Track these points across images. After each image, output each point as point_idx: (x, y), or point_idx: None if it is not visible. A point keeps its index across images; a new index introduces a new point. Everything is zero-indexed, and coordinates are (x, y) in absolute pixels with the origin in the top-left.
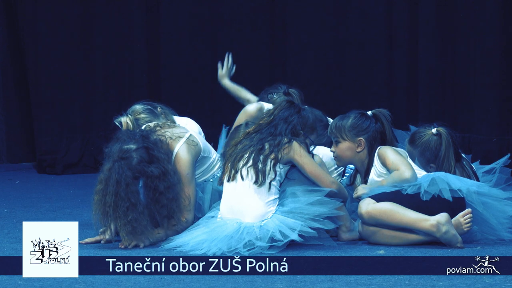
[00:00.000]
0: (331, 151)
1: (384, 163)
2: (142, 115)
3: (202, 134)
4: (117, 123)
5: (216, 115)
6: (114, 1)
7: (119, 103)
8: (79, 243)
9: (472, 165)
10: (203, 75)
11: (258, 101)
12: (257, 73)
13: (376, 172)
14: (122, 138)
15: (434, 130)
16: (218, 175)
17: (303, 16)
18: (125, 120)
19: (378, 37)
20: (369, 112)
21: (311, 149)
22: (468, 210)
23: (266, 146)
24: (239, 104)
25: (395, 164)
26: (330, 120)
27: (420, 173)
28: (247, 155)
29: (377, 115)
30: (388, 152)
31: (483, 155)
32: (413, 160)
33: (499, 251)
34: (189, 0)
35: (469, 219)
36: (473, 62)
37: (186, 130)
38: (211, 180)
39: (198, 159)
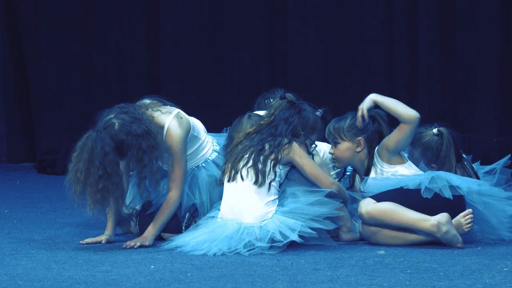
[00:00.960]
0: (330, 153)
1: (388, 145)
2: None
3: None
4: None
5: (217, 115)
6: (114, 1)
7: (119, 103)
8: (80, 243)
9: (473, 166)
10: (203, 75)
11: (255, 106)
12: (257, 73)
13: (377, 171)
14: (101, 116)
15: (435, 130)
16: (211, 158)
17: (303, 15)
18: None
19: (378, 37)
20: None
21: (311, 149)
22: (469, 210)
23: (266, 146)
24: (241, 105)
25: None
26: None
27: (421, 173)
28: (247, 155)
29: (373, 116)
30: (385, 139)
31: (483, 155)
32: (415, 161)
33: (499, 251)
34: None
35: (470, 220)
36: (473, 62)
37: (174, 108)
38: (203, 164)
39: (189, 136)
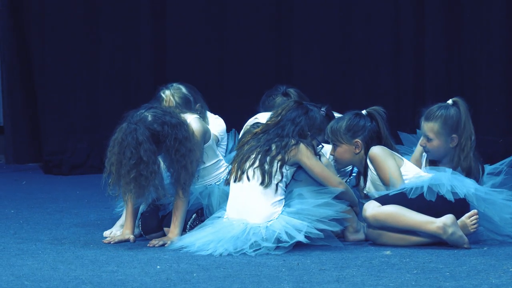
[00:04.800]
0: (330, 154)
1: (375, 170)
2: (177, 99)
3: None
4: (162, 94)
5: (222, 116)
6: (120, 2)
7: (125, 103)
8: (102, 243)
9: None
10: (209, 76)
11: (261, 105)
12: (263, 73)
13: (371, 174)
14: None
15: (449, 101)
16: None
17: (310, 16)
18: (168, 95)
19: (384, 38)
20: (363, 111)
21: (318, 150)
22: (474, 211)
23: (273, 147)
24: (246, 106)
25: (385, 177)
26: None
27: (423, 175)
28: (253, 156)
29: (371, 114)
30: (378, 159)
31: (488, 156)
32: (434, 136)
33: (505, 252)
34: None
35: (475, 220)
36: (479, 63)
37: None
38: (217, 183)
39: (207, 141)
